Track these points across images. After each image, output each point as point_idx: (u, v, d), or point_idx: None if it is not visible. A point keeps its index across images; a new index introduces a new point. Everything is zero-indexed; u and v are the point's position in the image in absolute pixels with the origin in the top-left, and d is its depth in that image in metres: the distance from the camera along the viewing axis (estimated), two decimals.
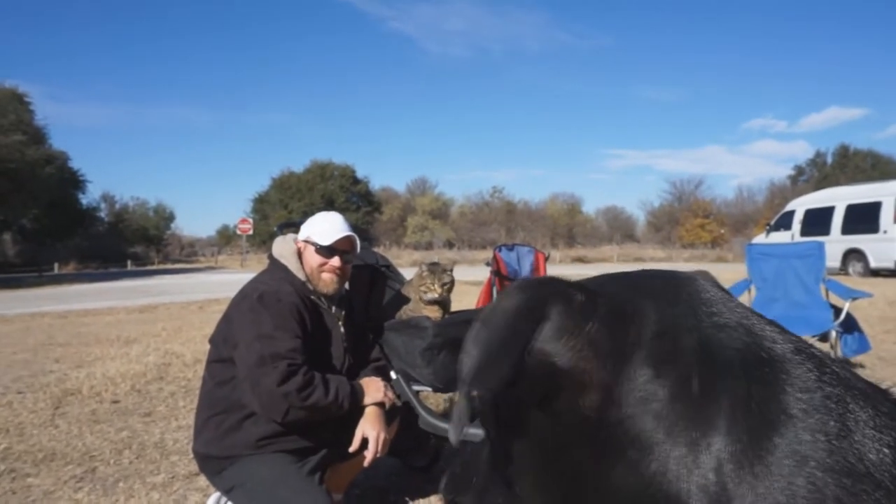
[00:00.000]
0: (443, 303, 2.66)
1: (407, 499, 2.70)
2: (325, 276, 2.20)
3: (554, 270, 5.48)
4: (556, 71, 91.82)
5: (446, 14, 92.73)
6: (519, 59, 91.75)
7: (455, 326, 2.63)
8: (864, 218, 15.01)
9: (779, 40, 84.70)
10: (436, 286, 2.62)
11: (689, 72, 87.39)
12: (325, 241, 2.19)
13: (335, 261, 2.20)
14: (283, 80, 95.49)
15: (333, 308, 2.25)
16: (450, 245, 45.63)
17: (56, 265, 29.87)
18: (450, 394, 3.44)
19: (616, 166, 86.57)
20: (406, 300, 2.72)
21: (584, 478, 0.53)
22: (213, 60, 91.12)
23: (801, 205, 17.53)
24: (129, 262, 36.67)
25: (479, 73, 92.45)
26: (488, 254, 4.06)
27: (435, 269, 2.69)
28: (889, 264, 14.29)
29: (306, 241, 2.23)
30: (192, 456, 2.19)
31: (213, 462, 2.01)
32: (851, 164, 43.82)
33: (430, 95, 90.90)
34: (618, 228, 53.05)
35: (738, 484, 0.45)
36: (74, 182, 33.25)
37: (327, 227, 2.24)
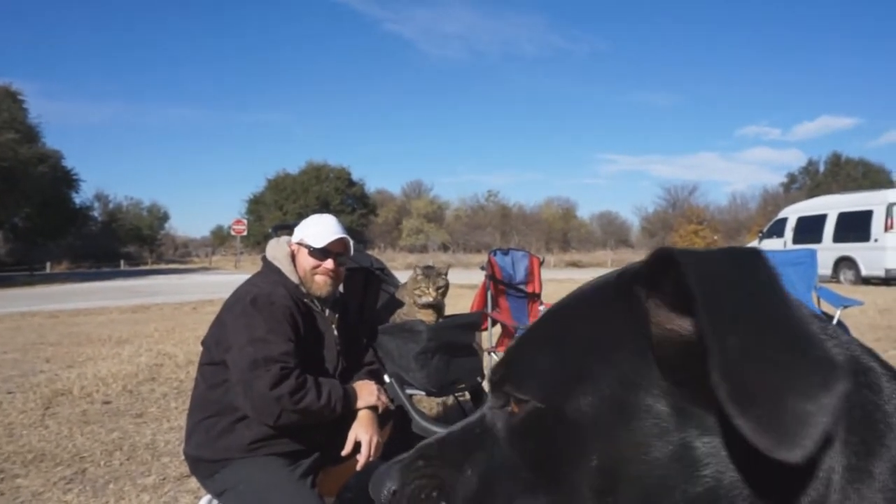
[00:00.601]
0: (437, 306, 2.67)
1: None
2: (319, 278, 2.19)
3: (548, 275, 5.51)
4: (551, 75, 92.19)
5: (443, 17, 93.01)
6: (515, 63, 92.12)
7: (449, 331, 2.64)
8: (855, 226, 15.13)
9: (774, 47, 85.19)
10: (430, 290, 2.63)
11: (685, 77, 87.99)
12: (319, 244, 2.19)
13: (328, 263, 2.19)
14: (280, 81, 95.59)
15: (327, 311, 2.24)
16: (445, 248, 45.66)
17: (48, 264, 29.71)
18: (443, 397, 3.44)
19: (610, 171, 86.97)
20: (400, 304, 2.72)
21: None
22: (210, 60, 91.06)
23: (793, 212, 17.64)
24: (122, 262, 36.49)
25: (475, 76, 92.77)
26: (483, 257, 4.07)
27: (429, 272, 2.69)
28: (880, 272, 14.39)
29: (300, 244, 2.23)
30: (183, 458, 2.18)
31: (204, 465, 2.00)
32: (843, 173, 44.18)
33: (426, 98, 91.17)
34: (612, 234, 53.21)
35: (847, 488, 0.45)
36: (67, 181, 33.06)
37: (321, 229, 2.23)
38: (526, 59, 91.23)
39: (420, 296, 2.63)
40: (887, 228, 14.42)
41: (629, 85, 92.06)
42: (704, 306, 0.43)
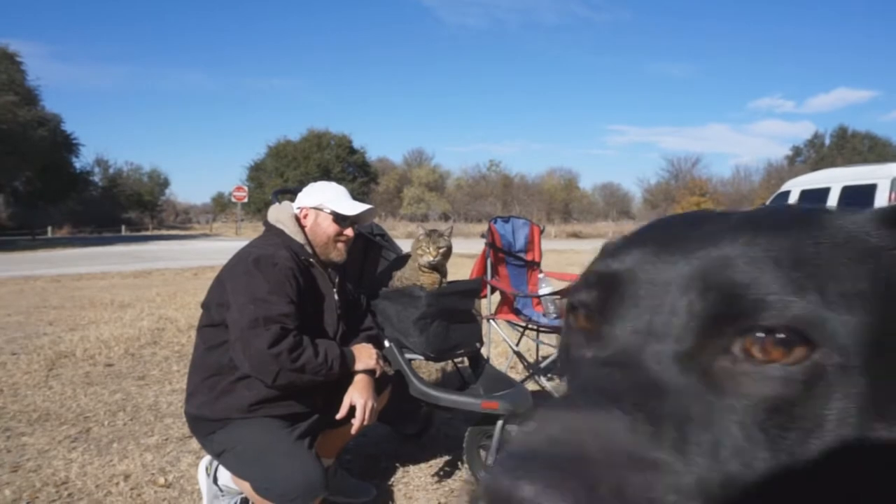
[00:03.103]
0: (438, 267, 2.68)
1: (398, 465, 2.75)
2: (341, 245, 2.23)
3: (548, 245, 5.51)
4: (570, 44, 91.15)
5: None
6: (534, 32, 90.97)
7: (448, 297, 2.65)
8: (859, 200, 15.02)
9: (793, 17, 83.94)
10: (431, 249, 2.65)
11: (704, 48, 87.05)
12: (350, 211, 2.20)
13: (349, 231, 2.23)
14: (293, 46, 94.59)
15: (329, 273, 2.25)
16: (445, 217, 45.56)
17: (49, 229, 29.75)
18: (442, 363, 3.48)
19: (618, 142, 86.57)
20: (403, 263, 2.75)
21: None
22: (221, 23, 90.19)
23: (796, 185, 17.50)
24: (123, 228, 36.51)
25: (494, 44, 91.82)
26: (484, 227, 4.06)
27: (432, 234, 2.72)
28: None
29: (318, 209, 2.22)
30: (185, 419, 2.22)
31: (204, 424, 2.03)
32: (849, 146, 43.78)
33: (440, 67, 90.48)
34: (614, 205, 53.08)
35: None
36: (68, 145, 32.85)
37: (342, 196, 2.26)
38: (546, 28, 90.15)
39: (421, 255, 2.66)
40: (891, 202, 14.34)
41: (648, 55, 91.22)
42: None
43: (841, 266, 0.39)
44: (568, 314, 0.50)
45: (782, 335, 0.37)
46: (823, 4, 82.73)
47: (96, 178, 44.80)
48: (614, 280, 0.44)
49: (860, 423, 0.37)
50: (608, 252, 0.48)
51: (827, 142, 46.99)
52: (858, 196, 15.06)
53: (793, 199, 16.86)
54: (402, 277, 2.70)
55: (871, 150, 41.96)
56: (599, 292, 0.45)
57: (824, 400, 0.37)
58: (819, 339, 0.37)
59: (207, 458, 2.24)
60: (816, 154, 45.84)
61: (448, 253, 2.70)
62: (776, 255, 0.39)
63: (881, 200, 14.54)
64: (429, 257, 2.64)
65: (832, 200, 15.68)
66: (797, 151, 49.51)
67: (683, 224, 0.47)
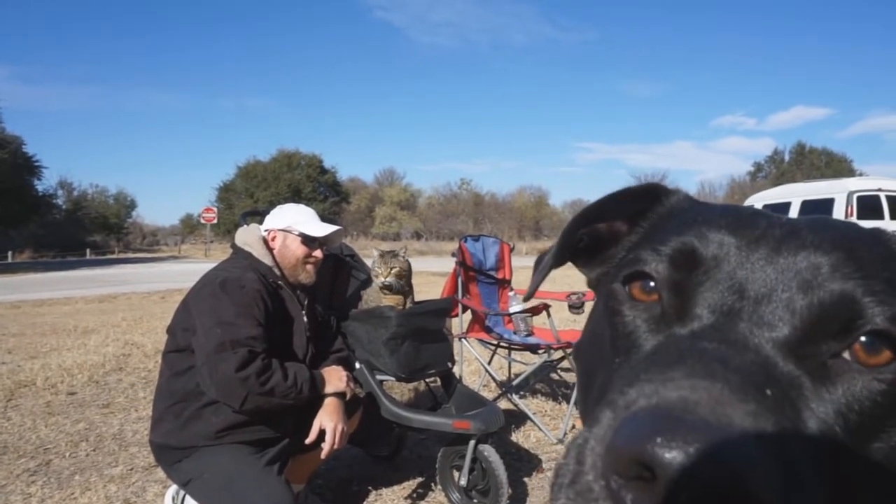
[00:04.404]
0: (397, 289, 2.67)
1: (370, 488, 2.72)
2: (310, 267, 2.22)
3: (520, 262, 5.55)
4: (539, 64, 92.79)
5: (434, 4, 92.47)
6: (504, 52, 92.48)
7: (419, 317, 2.65)
8: (817, 214, 15.48)
9: (754, 37, 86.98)
10: (383, 270, 2.65)
11: (669, 68, 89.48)
12: (318, 233, 2.20)
13: (318, 252, 2.22)
14: (262, 66, 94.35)
15: (297, 295, 2.24)
16: (417, 236, 45.58)
17: (10, 253, 28.83)
18: (413, 383, 3.46)
19: (586, 160, 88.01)
20: (370, 284, 2.75)
21: None
22: (188, 42, 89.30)
23: (759, 200, 18.02)
24: (88, 251, 35.62)
25: (464, 64, 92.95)
26: (456, 245, 4.09)
27: (385, 254, 2.72)
28: None
29: (287, 231, 2.21)
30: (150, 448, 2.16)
31: (169, 452, 1.99)
32: (807, 162, 45.27)
33: (411, 86, 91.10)
34: None
35: None
36: (29, 168, 32.01)
37: (310, 218, 2.26)
38: (515, 48, 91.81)
39: (376, 276, 2.67)
40: (847, 216, 14.82)
41: (614, 74, 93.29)
42: None
43: None
44: (626, 285, 0.48)
45: (886, 340, 0.39)
46: (783, 26, 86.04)
47: (60, 201, 43.71)
48: (709, 263, 0.44)
49: None
50: (686, 226, 0.48)
51: (786, 158, 48.53)
52: (817, 209, 15.54)
53: None
54: (367, 300, 2.70)
55: (827, 165, 43.47)
56: (689, 271, 0.45)
57: None
58: None
59: (174, 487, 2.19)
60: (777, 170, 47.26)
61: (403, 273, 2.70)
62: (871, 263, 0.42)
63: (838, 213, 15.04)
64: (381, 278, 2.64)
65: (793, 213, 16.15)
66: (758, 167, 51.01)
67: (760, 220, 0.47)
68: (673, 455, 0.30)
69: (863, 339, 0.39)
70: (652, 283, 0.46)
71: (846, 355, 0.40)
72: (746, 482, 0.30)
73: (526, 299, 3.38)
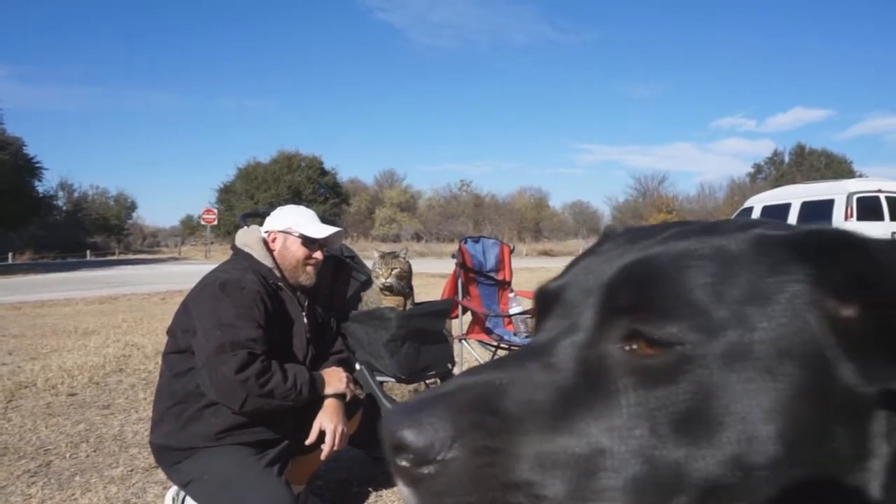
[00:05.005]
0: (397, 290, 2.68)
1: (370, 489, 2.72)
2: (310, 269, 2.22)
3: (520, 264, 5.55)
4: (539, 65, 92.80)
5: (435, 4, 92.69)
6: (504, 53, 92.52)
7: (419, 318, 2.66)
8: (817, 215, 15.50)
9: (754, 39, 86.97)
10: (383, 271, 2.67)
11: (669, 69, 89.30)
12: (318, 234, 2.20)
13: (318, 254, 2.23)
14: (263, 67, 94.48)
15: (298, 297, 2.24)
16: (418, 238, 45.60)
17: (10, 255, 28.86)
18: (413, 384, 3.46)
19: (586, 161, 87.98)
20: (370, 285, 2.76)
21: None
22: (191, 43, 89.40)
23: (758, 201, 18.02)
24: (88, 253, 35.64)
25: (464, 65, 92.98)
26: (456, 246, 4.09)
27: (385, 255, 2.74)
28: None
29: (287, 232, 2.21)
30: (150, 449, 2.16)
31: (169, 453, 1.99)
32: (807, 164, 45.31)
33: (412, 87, 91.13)
34: (584, 223, 53.73)
35: None
36: (30, 169, 32.02)
37: (310, 220, 2.26)
38: (516, 49, 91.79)
39: (376, 277, 2.68)
40: (847, 217, 14.83)
41: (614, 76, 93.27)
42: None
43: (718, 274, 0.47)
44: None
45: (655, 334, 0.45)
46: (782, 27, 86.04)
47: (60, 202, 43.74)
48: (547, 295, 0.55)
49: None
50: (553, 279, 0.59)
51: (786, 159, 48.55)
52: (817, 211, 15.55)
53: (755, 214, 17.32)
54: (367, 301, 2.71)
55: (827, 166, 43.50)
56: (538, 305, 0.56)
57: (684, 387, 0.44)
58: (685, 337, 0.44)
59: (174, 488, 2.19)
60: (776, 171, 47.27)
61: (403, 275, 2.71)
62: (664, 265, 0.48)
63: (838, 214, 15.05)
64: (382, 279, 2.66)
65: (792, 215, 16.14)
66: (758, 169, 50.99)
67: (608, 244, 0.56)
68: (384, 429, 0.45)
69: (638, 334, 0.46)
70: (532, 319, 0.60)
71: (630, 348, 0.46)
72: (398, 438, 0.44)
73: None
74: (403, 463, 0.44)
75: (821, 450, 0.44)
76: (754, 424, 0.43)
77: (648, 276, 0.48)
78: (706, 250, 0.48)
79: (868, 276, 0.44)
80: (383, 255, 2.73)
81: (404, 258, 2.75)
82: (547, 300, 0.54)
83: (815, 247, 0.47)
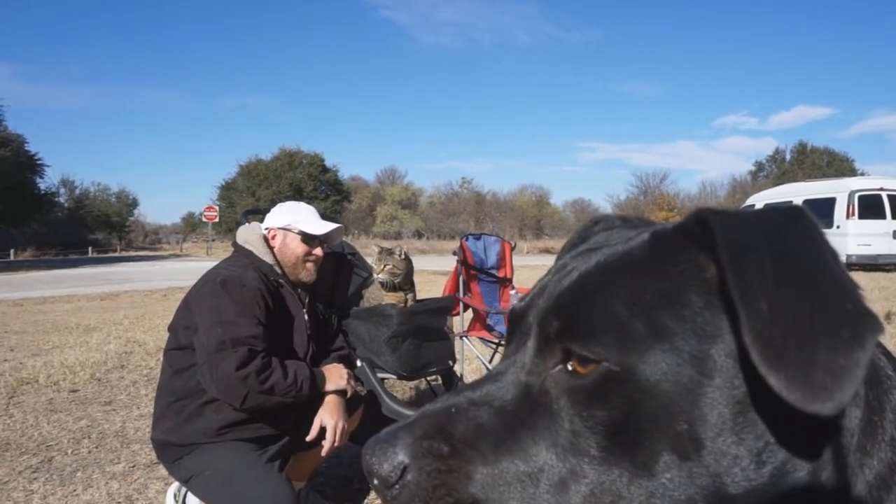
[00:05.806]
0: (386, 284, 2.69)
1: (370, 486, 2.72)
2: (310, 265, 2.22)
3: (521, 261, 5.55)
4: (541, 63, 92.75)
5: (439, 3, 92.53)
6: (507, 51, 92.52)
7: (420, 315, 2.66)
8: (819, 213, 15.36)
9: (756, 36, 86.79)
10: (378, 267, 2.68)
11: (671, 67, 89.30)
12: (318, 231, 2.20)
13: (318, 251, 2.22)
14: (264, 65, 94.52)
15: (298, 293, 2.24)
16: (419, 235, 45.61)
17: (12, 252, 28.89)
18: (414, 381, 3.47)
19: (588, 159, 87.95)
20: (370, 284, 2.76)
21: None
22: (193, 41, 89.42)
23: (760, 199, 18.01)
24: (90, 249, 35.68)
25: (467, 64, 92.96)
26: (457, 244, 4.09)
27: (382, 252, 2.75)
28: (842, 258, 14.80)
29: (287, 229, 2.21)
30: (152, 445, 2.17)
31: (171, 449, 1.99)
32: (809, 162, 45.23)
33: (415, 85, 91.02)
34: (585, 220, 53.57)
35: (863, 441, 0.48)
36: (31, 166, 32.05)
37: (310, 216, 2.26)
38: (519, 48, 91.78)
39: (376, 274, 2.69)
40: (849, 215, 14.83)
41: (616, 74, 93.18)
42: (732, 270, 0.43)
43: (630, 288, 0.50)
44: None
45: (583, 353, 0.48)
46: (785, 25, 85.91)
47: (62, 199, 43.78)
48: (513, 317, 0.59)
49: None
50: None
51: (788, 157, 48.47)
52: (819, 209, 15.52)
53: None
54: (368, 297, 2.71)
55: (829, 164, 43.42)
56: (508, 328, 0.60)
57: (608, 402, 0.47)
58: (608, 355, 0.47)
59: (176, 484, 2.19)
60: (778, 169, 47.20)
61: (396, 272, 2.71)
62: (590, 284, 0.52)
63: (840, 212, 15.04)
64: (375, 273, 2.67)
65: None
66: (760, 167, 50.93)
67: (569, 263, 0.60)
68: (364, 460, 0.52)
69: (569, 354, 0.50)
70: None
71: (565, 369, 0.50)
72: (368, 465, 0.51)
73: None
74: (377, 485, 0.51)
75: (742, 446, 0.46)
76: (685, 430, 0.45)
77: (577, 300, 0.51)
78: (618, 262, 0.52)
79: (714, 241, 0.46)
80: (381, 252, 2.75)
81: (400, 256, 2.75)
82: (513, 323, 0.59)
83: (691, 228, 0.50)
